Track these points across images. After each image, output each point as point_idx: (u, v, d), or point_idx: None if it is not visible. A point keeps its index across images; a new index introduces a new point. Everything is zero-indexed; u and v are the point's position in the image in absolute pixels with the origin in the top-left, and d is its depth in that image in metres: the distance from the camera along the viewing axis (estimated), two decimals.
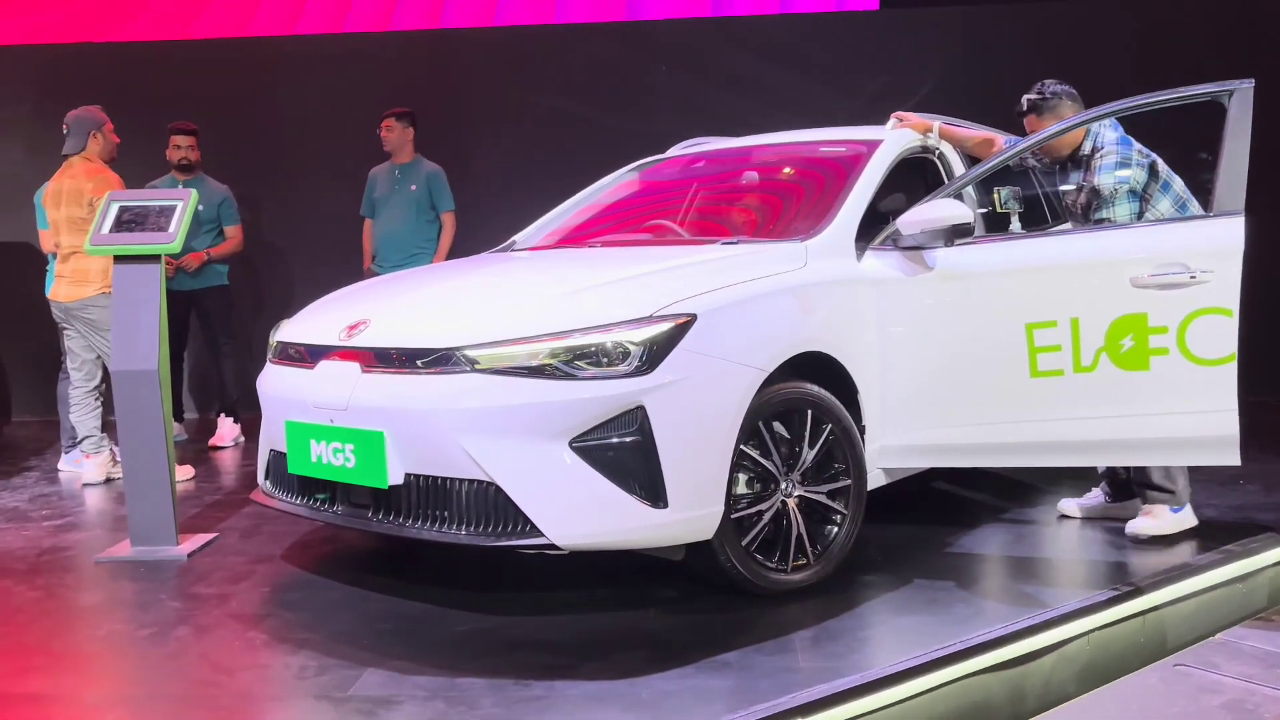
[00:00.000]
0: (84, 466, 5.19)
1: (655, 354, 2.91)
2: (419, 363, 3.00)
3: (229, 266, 6.25)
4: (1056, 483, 4.46)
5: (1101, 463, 3.87)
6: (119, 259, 3.86)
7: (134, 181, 5.46)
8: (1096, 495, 4.04)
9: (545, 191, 6.83)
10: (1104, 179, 3.65)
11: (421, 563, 3.67)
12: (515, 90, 7.35)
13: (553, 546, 2.88)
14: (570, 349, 2.90)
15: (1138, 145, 3.74)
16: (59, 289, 5.07)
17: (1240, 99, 3.37)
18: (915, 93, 6.97)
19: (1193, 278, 3.22)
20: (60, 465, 5.56)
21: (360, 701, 2.53)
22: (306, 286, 7.32)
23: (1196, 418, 3.27)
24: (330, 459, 3.13)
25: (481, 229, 6.58)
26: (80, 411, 5.16)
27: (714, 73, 7.23)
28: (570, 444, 2.87)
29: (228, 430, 6.20)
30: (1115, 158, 3.66)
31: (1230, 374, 3.21)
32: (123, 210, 3.89)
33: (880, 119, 4.65)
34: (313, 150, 7.38)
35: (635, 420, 2.88)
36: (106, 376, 5.25)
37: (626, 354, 2.90)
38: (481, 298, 3.38)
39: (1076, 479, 4.39)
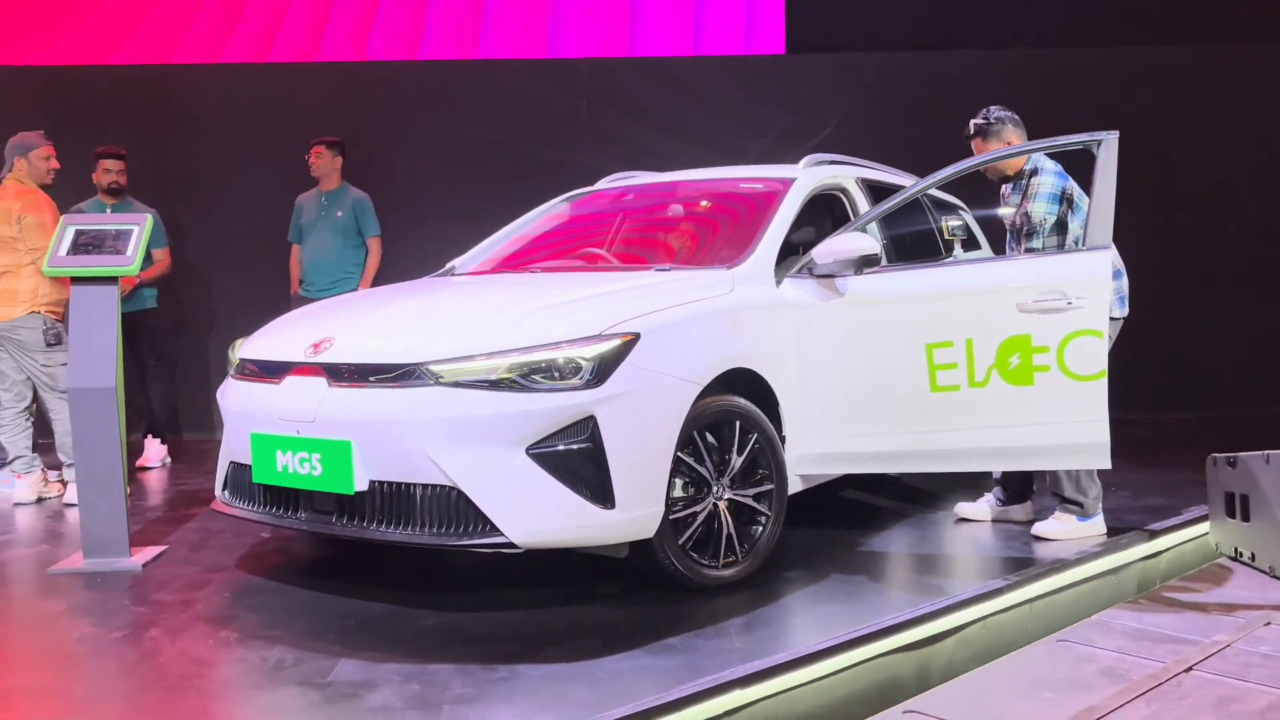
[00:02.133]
0: (15, 486, 5.22)
1: (604, 368, 3.21)
2: (385, 377, 3.25)
3: (157, 289, 6.34)
4: (952, 489, 4.90)
5: (994, 468, 4.30)
6: (76, 280, 3.99)
7: (58, 205, 5.52)
8: (989, 499, 4.48)
9: (468, 218, 7.13)
10: (1036, 206, 4.11)
11: (373, 569, 3.89)
12: (439, 121, 7.61)
13: (511, 545, 3.14)
14: (526, 364, 3.19)
15: (1072, 182, 4.19)
16: None
17: (1107, 147, 3.85)
18: (819, 132, 7.48)
19: (1069, 304, 3.66)
20: None
21: (341, 685, 2.76)
22: (230, 309, 7.48)
23: (1074, 426, 3.71)
24: (296, 468, 3.35)
25: (406, 254, 6.82)
26: (11, 432, 5.20)
27: (631, 109, 7.62)
28: (527, 451, 3.15)
29: (154, 451, 6.27)
30: (1050, 189, 4.12)
31: (1101, 388, 3.66)
32: (79, 234, 4.03)
33: (787, 156, 5.04)
34: (237, 177, 7.49)
35: (586, 429, 3.18)
36: (36, 397, 5.30)
37: (578, 369, 3.20)
38: (440, 317, 3.64)
39: (971, 486, 4.84)
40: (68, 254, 3.99)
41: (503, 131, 7.59)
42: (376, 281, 6.43)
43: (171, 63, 7.69)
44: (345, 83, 7.68)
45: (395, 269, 6.39)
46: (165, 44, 7.69)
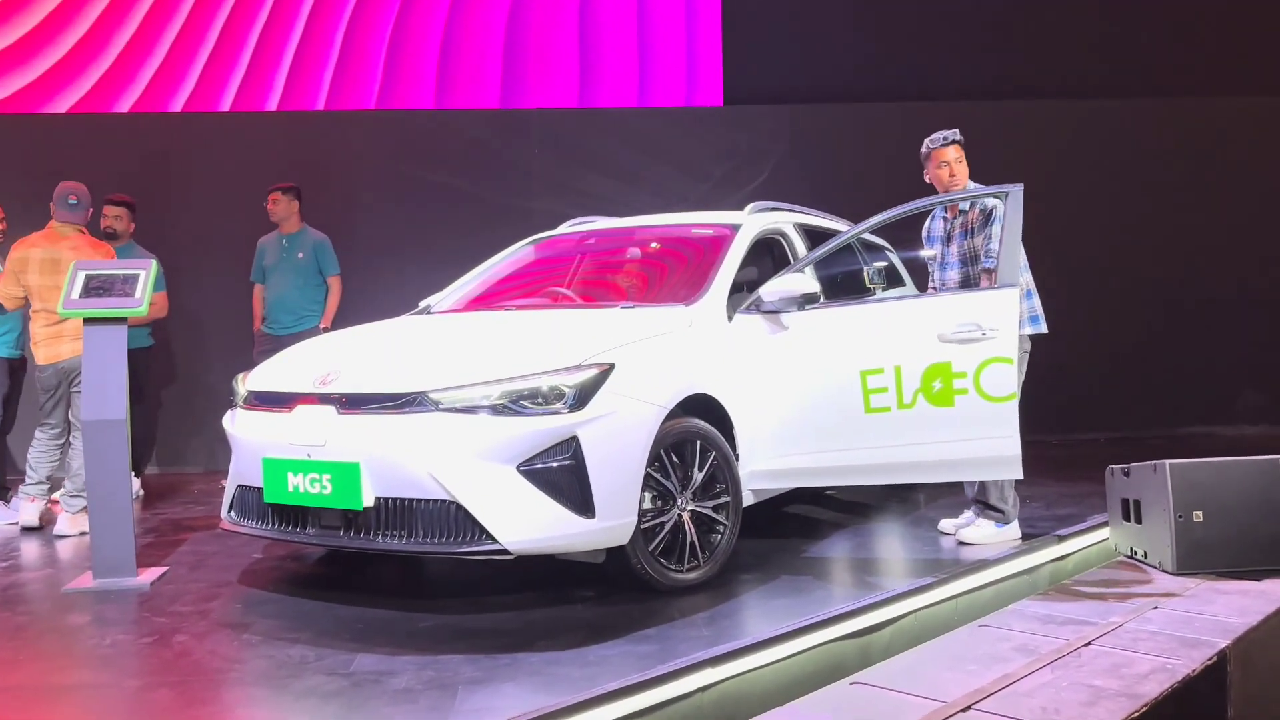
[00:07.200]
0: (21, 509, 5.50)
1: (584, 394, 3.66)
2: (390, 405, 3.66)
3: (149, 328, 6.65)
4: (885, 502, 5.43)
5: (921, 480, 4.77)
6: (89, 321, 4.32)
7: None
8: (970, 516, 4.95)
9: (425, 258, 7.58)
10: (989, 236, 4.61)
11: (369, 582, 4.27)
12: (397, 167, 8.03)
13: (504, 552, 3.55)
14: (516, 391, 3.62)
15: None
16: (62, 348, 5.38)
17: (1014, 198, 4.41)
18: (755, 178, 8.06)
19: (984, 335, 4.20)
20: None
21: (363, 675, 3.14)
22: (196, 347, 7.75)
23: (990, 442, 4.23)
24: (307, 488, 3.73)
25: (366, 293, 7.22)
26: (41, 457, 5.51)
27: (580, 155, 8.13)
28: (518, 468, 3.58)
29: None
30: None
31: (1013, 408, 4.19)
32: (90, 278, 4.37)
33: (725, 201, 5.57)
34: (199, 221, 7.81)
35: (570, 448, 3.61)
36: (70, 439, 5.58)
37: (562, 395, 3.64)
38: (435, 351, 4.06)
39: (900, 498, 5.37)
40: (80, 297, 4.33)
41: (458, 177, 8.03)
42: (337, 318, 6.78)
43: (132, 112, 8.01)
44: (308, 131, 8.07)
45: (355, 307, 6.78)
46: (116, 92, 8.03)
